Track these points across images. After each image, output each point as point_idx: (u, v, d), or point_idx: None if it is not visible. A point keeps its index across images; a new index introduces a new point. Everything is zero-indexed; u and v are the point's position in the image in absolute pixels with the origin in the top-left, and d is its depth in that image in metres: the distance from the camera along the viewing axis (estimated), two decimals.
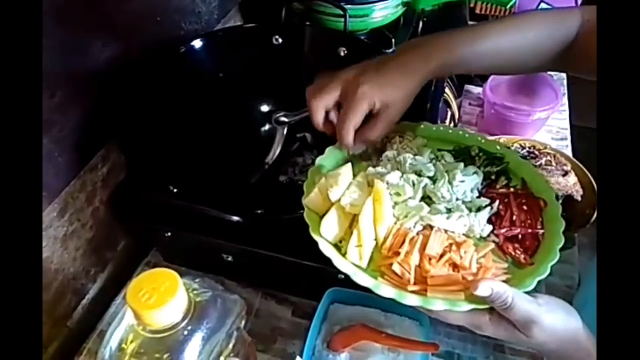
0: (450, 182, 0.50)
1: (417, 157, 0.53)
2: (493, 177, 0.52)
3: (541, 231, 0.47)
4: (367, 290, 0.43)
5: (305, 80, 0.59)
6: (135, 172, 0.62)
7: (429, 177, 0.51)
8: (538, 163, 0.71)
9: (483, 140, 0.56)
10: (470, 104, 0.87)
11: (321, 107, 0.49)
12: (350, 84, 0.47)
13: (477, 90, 0.88)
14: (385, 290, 0.42)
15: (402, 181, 0.49)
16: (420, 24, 0.86)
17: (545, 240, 0.47)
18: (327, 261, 0.44)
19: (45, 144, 0.55)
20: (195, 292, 0.38)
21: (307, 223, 0.46)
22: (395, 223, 0.47)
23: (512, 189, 0.51)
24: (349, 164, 0.51)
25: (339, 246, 0.46)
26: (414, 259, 0.43)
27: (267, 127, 0.61)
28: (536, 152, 0.73)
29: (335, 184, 0.47)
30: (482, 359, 0.58)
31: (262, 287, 0.65)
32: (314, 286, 0.60)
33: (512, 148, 0.75)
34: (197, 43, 0.61)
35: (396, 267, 0.43)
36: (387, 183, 0.49)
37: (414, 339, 0.54)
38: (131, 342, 0.38)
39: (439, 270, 0.42)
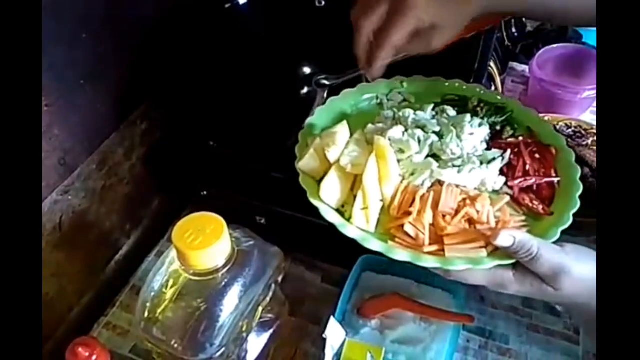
0: (458, 136, 0.47)
1: (418, 112, 0.50)
2: (498, 127, 0.51)
3: (557, 179, 0.45)
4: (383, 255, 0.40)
5: (347, 44, 0.58)
6: (175, 127, 0.62)
7: (435, 133, 0.48)
8: (585, 143, 0.68)
9: (482, 92, 0.54)
10: (513, 81, 0.84)
11: (369, 26, 0.44)
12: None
13: (521, 67, 0.85)
14: (399, 253, 0.39)
15: (406, 136, 0.47)
16: None
17: (561, 189, 0.45)
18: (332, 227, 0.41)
19: (88, 94, 0.56)
20: (237, 240, 0.38)
21: (304, 189, 0.43)
22: (402, 182, 0.44)
23: (521, 138, 0.49)
24: (345, 122, 0.48)
25: (342, 211, 0.43)
26: (427, 217, 0.40)
27: (306, 89, 0.59)
28: (583, 132, 0.70)
29: (332, 143, 0.44)
30: (515, 337, 0.56)
31: (292, 253, 0.65)
32: (346, 253, 0.59)
33: (558, 127, 0.72)
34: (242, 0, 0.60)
35: (409, 228, 0.40)
36: (390, 139, 0.46)
37: (449, 310, 0.53)
38: (171, 287, 0.38)
39: (455, 228, 0.40)
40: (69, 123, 0.54)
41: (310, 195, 0.43)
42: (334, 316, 0.49)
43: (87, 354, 0.40)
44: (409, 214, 0.41)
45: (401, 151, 0.45)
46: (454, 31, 0.45)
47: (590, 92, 0.74)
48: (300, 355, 0.55)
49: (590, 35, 0.85)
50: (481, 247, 0.39)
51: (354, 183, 0.44)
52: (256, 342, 0.43)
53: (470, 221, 0.41)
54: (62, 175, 0.55)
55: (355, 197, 0.42)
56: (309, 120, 0.50)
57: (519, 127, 0.51)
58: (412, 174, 0.45)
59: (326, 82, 0.59)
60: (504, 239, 0.36)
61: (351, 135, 0.47)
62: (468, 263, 0.38)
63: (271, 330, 0.45)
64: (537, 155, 0.47)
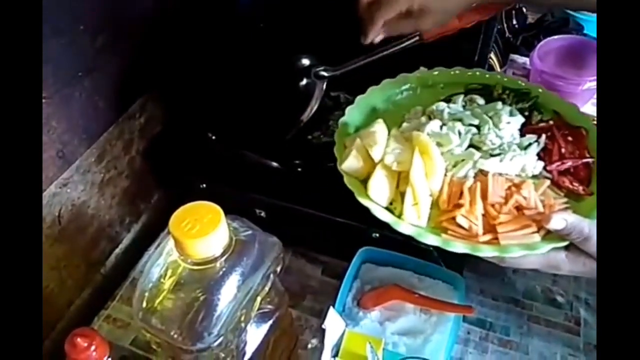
0: (496, 126, 0.48)
1: (451, 105, 0.51)
2: (526, 113, 0.51)
3: (591, 160, 0.46)
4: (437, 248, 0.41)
5: (347, 36, 0.57)
6: (174, 120, 0.62)
7: (473, 125, 0.49)
8: None
9: (505, 79, 0.55)
10: (514, 73, 0.83)
11: (382, 20, 0.46)
12: None
13: (522, 60, 0.84)
14: (456, 245, 0.40)
15: (445, 130, 0.47)
16: None
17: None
18: (383, 225, 0.42)
19: (87, 87, 0.56)
20: (235, 230, 0.38)
21: (351, 190, 0.44)
22: (445, 174, 0.45)
23: (551, 122, 0.50)
24: (380, 120, 0.48)
25: (391, 209, 0.44)
26: (479, 208, 0.41)
27: (305, 81, 0.59)
28: None
29: (374, 142, 0.45)
30: (515, 328, 0.56)
31: (292, 246, 0.65)
32: (346, 245, 0.59)
33: None
34: None
35: (461, 220, 0.41)
36: (428, 134, 0.46)
37: (449, 301, 0.53)
38: (169, 277, 0.38)
39: (506, 216, 0.41)
40: (67, 115, 0.54)
41: (359, 195, 0.43)
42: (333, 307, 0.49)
43: (85, 344, 0.40)
44: (460, 206, 0.41)
45: (439, 145, 0.46)
46: (442, 17, 0.46)
47: (591, 84, 0.73)
48: (300, 346, 0.55)
49: (591, 27, 0.84)
50: (533, 232, 0.40)
51: (398, 181, 0.45)
52: (256, 333, 0.43)
53: (518, 207, 0.42)
54: (60, 167, 0.55)
55: (401, 194, 0.43)
56: (342, 119, 0.51)
57: (546, 112, 0.52)
58: (454, 166, 0.45)
59: (325, 74, 0.59)
60: (556, 222, 0.37)
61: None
62: (524, 249, 0.39)
63: (271, 321, 0.45)
64: (569, 138, 0.48)
